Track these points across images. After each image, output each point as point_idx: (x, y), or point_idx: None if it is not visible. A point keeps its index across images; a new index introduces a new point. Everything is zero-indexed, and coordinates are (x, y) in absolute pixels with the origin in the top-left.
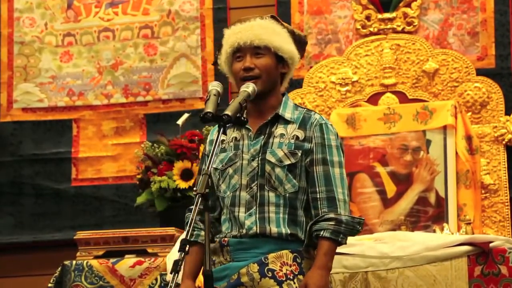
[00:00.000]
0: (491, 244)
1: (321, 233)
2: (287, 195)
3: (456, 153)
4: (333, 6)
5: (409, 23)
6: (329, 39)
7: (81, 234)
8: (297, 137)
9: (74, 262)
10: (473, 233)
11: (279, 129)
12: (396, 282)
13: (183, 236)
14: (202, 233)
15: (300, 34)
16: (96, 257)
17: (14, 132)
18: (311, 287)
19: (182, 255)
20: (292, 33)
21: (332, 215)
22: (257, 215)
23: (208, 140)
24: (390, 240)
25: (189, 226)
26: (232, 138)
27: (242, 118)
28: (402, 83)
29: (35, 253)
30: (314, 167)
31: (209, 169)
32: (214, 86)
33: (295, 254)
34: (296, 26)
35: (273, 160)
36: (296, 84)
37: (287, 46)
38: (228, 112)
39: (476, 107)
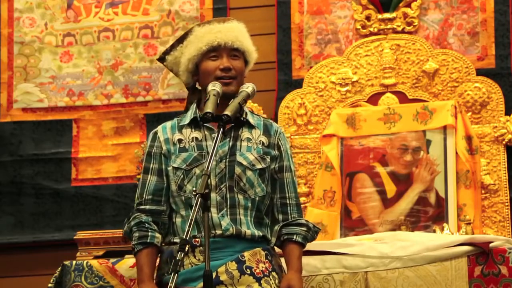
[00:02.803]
0: (491, 244)
1: (294, 237)
2: (256, 198)
3: (456, 153)
4: (333, 6)
5: (409, 23)
6: (329, 39)
7: (81, 234)
8: (263, 143)
9: (74, 262)
10: (473, 233)
11: (245, 133)
12: (396, 282)
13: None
14: (157, 234)
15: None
16: (96, 257)
17: (14, 132)
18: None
19: (182, 255)
20: None
21: (303, 221)
22: (229, 217)
23: (162, 139)
24: (390, 240)
25: (189, 226)
26: (193, 138)
27: (242, 118)
28: (402, 83)
29: (35, 253)
30: (284, 174)
31: (209, 170)
32: (214, 86)
33: (266, 252)
34: (296, 26)
35: (244, 163)
36: (296, 84)
37: (254, 53)
38: (228, 112)
39: (476, 107)
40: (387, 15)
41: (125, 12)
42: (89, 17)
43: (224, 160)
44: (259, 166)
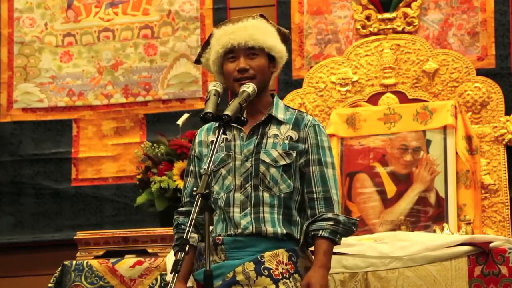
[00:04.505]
0: (491, 244)
1: (320, 232)
2: (282, 195)
3: (456, 153)
4: (333, 6)
5: (409, 23)
6: (329, 39)
7: (81, 234)
8: (291, 138)
9: (74, 262)
10: (473, 233)
11: (272, 130)
12: (396, 282)
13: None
14: (192, 234)
15: (284, 32)
16: (96, 257)
17: (14, 132)
18: (315, 286)
19: (182, 255)
20: (278, 31)
21: (330, 215)
22: (252, 216)
23: (196, 141)
24: (390, 240)
25: (189, 226)
26: (223, 138)
27: (242, 118)
28: (402, 83)
29: (35, 253)
30: (310, 168)
31: (209, 170)
32: (214, 86)
33: (290, 253)
34: (296, 26)
35: (267, 160)
36: (296, 84)
37: (279, 46)
38: (228, 112)
39: (476, 107)
40: (387, 15)
41: (125, 12)
42: (89, 17)
43: (250, 159)
44: (282, 163)
